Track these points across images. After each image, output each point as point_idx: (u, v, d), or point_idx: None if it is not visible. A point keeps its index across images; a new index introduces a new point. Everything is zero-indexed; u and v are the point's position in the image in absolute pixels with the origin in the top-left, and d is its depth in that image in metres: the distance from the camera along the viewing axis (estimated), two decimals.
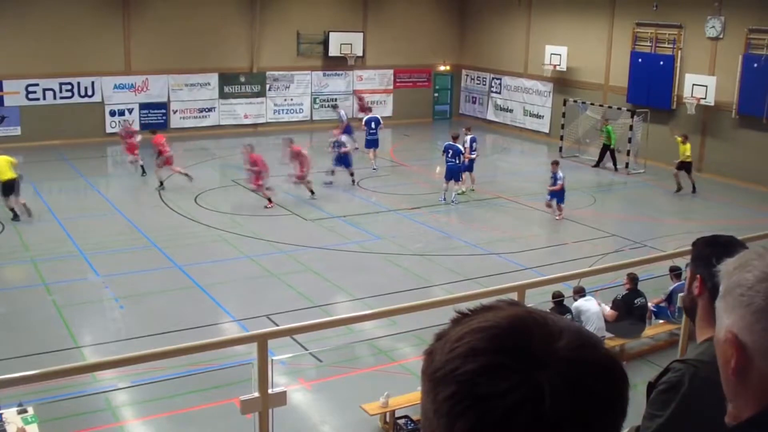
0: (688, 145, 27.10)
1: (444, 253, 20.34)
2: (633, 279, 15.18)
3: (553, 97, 36.47)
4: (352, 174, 26.96)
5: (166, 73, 34.72)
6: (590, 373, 1.36)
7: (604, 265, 16.83)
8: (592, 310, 14.38)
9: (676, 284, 15.15)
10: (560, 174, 23.34)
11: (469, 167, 26.34)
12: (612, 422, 1.38)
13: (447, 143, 25.34)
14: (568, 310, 14.09)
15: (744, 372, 1.96)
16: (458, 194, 25.27)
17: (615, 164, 30.95)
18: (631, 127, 30.89)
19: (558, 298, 14.05)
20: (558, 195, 23.47)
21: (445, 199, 24.88)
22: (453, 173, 24.89)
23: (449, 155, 24.99)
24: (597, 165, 31.27)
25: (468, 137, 26.53)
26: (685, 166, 27.19)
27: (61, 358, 13.69)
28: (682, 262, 14.35)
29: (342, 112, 33.65)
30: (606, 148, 31.06)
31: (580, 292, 14.74)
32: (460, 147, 25.26)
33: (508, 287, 8.58)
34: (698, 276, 3.48)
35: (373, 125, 29.50)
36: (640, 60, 31.98)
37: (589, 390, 1.34)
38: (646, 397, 3.43)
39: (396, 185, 27.31)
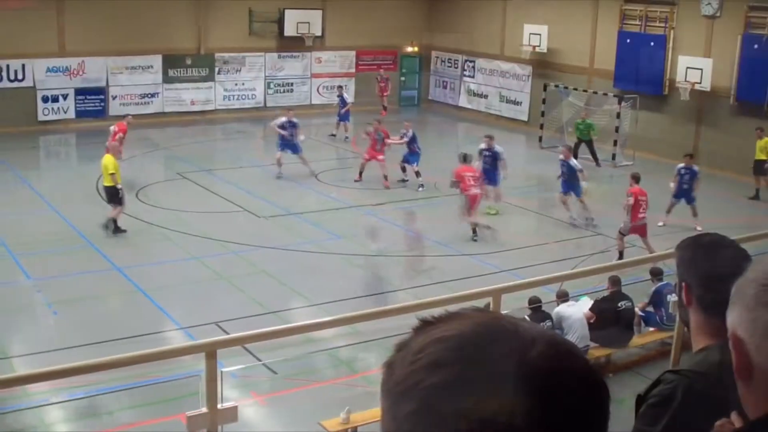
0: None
1: (411, 254, 20.37)
2: (615, 281, 15.14)
3: (533, 82, 36.60)
4: None
5: (104, 55, 34.40)
6: (566, 385, 1.35)
7: (588, 267, 16.92)
8: (575, 316, 14.32)
9: (658, 285, 15.21)
10: (409, 132, 25.75)
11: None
12: None
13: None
14: (548, 317, 14.06)
15: (746, 371, 1.99)
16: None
17: (596, 158, 30.37)
18: (618, 115, 30.80)
19: (535, 303, 14.10)
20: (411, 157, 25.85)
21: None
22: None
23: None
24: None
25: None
26: None
27: None
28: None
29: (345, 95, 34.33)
30: (582, 143, 30.46)
31: (563, 297, 14.75)
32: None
33: (482, 291, 8.63)
34: (684, 284, 3.48)
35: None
36: (628, 40, 32.15)
37: (565, 404, 1.33)
38: (635, 412, 3.40)
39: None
